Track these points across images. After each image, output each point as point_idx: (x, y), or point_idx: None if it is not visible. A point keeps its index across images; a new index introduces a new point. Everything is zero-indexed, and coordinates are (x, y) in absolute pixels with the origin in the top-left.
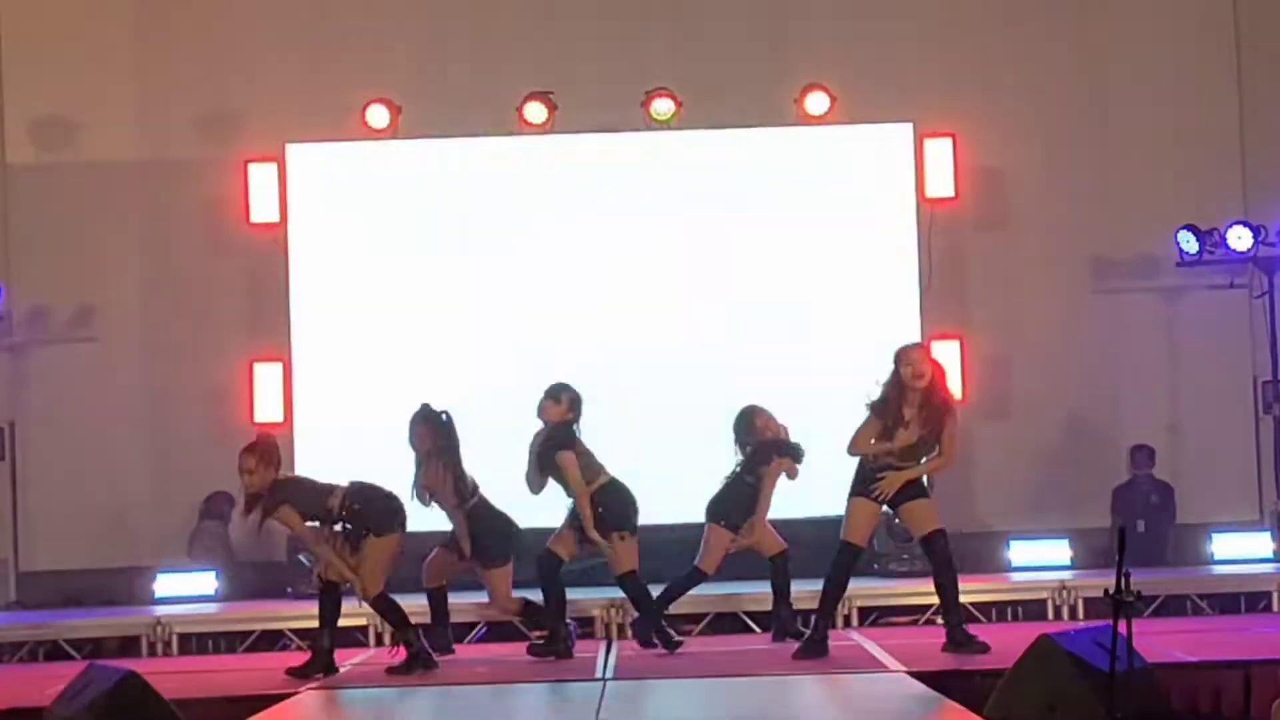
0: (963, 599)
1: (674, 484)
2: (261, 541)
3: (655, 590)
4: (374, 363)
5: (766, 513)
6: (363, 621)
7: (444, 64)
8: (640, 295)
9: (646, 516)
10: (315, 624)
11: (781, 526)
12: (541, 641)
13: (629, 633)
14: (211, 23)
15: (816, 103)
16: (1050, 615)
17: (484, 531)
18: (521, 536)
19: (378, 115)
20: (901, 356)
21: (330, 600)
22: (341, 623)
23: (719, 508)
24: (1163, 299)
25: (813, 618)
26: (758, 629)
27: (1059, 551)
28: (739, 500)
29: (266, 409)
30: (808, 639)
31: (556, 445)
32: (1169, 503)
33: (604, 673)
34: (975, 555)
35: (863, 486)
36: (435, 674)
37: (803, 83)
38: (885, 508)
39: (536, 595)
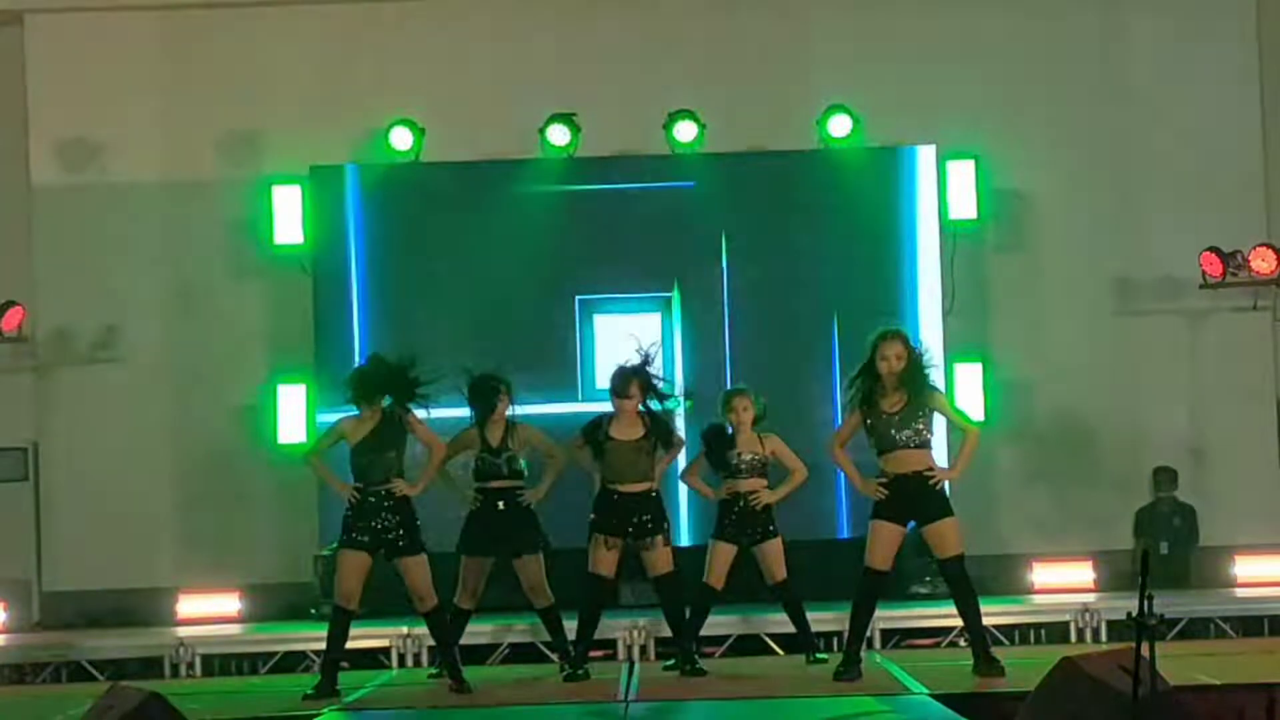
0: (986, 621)
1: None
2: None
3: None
4: None
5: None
6: (385, 643)
7: (468, 86)
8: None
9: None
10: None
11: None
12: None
13: (651, 654)
14: (235, 45)
15: (839, 125)
16: (1073, 638)
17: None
18: None
19: (401, 137)
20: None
21: (341, 624)
22: (365, 644)
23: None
24: (1186, 321)
25: (845, 644)
26: (780, 651)
27: (1082, 574)
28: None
29: (290, 430)
30: (841, 663)
31: None
32: (1192, 525)
33: (626, 694)
34: (998, 577)
35: (882, 508)
36: (459, 695)
37: (825, 105)
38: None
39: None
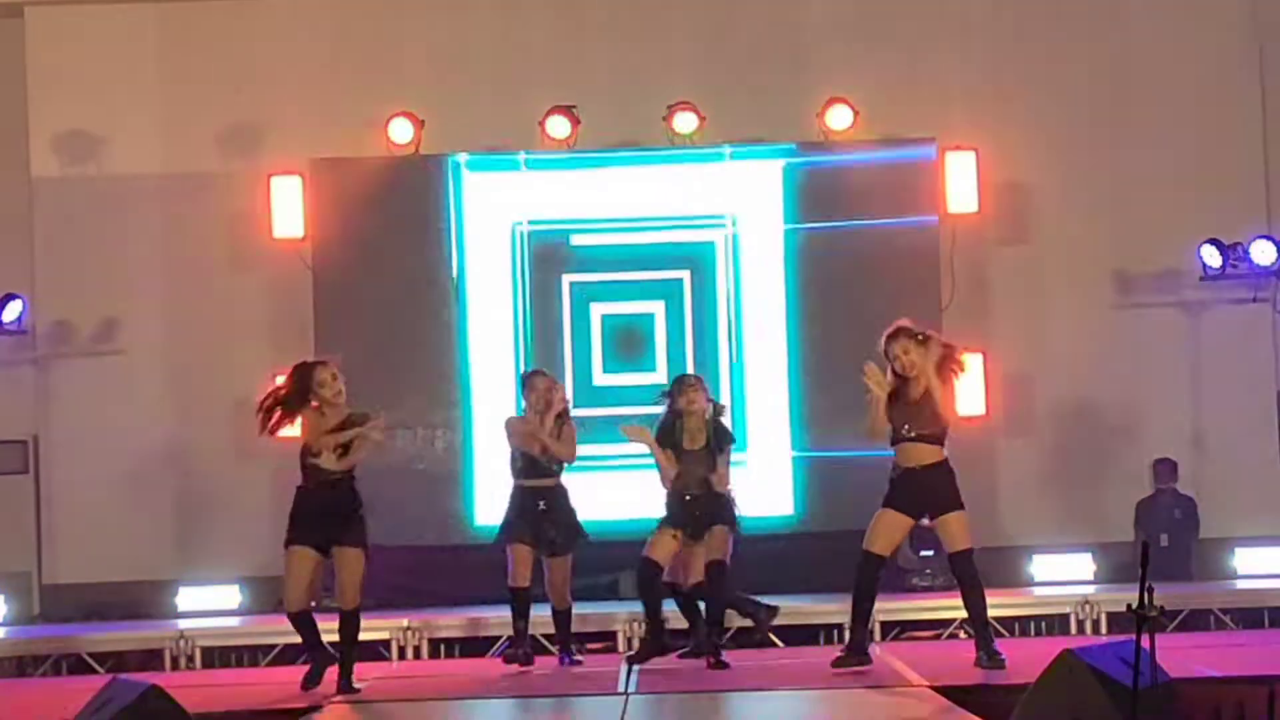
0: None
1: None
2: None
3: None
4: (395, 375)
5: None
6: (385, 635)
7: (467, 78)
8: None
9: None
10: (337, 639)
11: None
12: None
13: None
14: (235, 37)
15: (839, 117)
16: (1073, 630)
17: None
18: None
19: (401, 130)
20: (888, 348)
21: (305, 622)
22: (365, 637)
23: None
24: (1186, 313)
25: (848, 630)
26: (780, 643)
27: (1082, 566)
28: None
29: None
30: (846, 648)
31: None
32: (1192, 517)
33: (626, 687)
34: (998, 569)
35: (892, 498)
36: (457, 686)
37: (825, 97)
38: (925, 520)
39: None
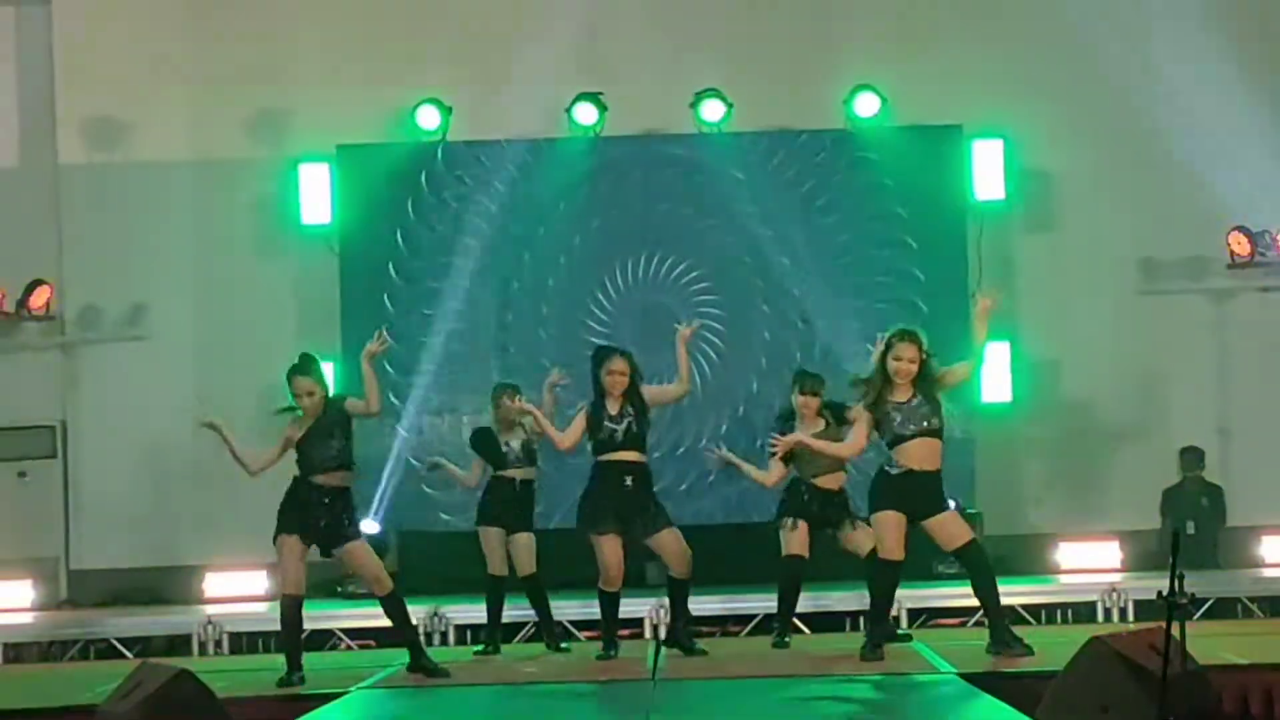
0: (1013, 601)
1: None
2: None
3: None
4: (422, 362)
5: None
6: (412, 621)
7: (495, 65)
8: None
9: None
10: (365, 624)
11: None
12: None
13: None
14: (262, 24)
15: (866, 104)
16: (1100, 618)
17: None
18: None
19: (428, 116)
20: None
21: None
22: (387, 624)
23: None
24: (1212, 301)
25: (867, 627)
26: (806, 630)
27: (1109, 554)
28: None
29: None
30: (865, 644)
31: None
32: (1219, 505)
33: (654, 672)
34: (1024, 558)
35: (881, 499)
36: (487, 673)
37: (852, 84)
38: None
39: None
